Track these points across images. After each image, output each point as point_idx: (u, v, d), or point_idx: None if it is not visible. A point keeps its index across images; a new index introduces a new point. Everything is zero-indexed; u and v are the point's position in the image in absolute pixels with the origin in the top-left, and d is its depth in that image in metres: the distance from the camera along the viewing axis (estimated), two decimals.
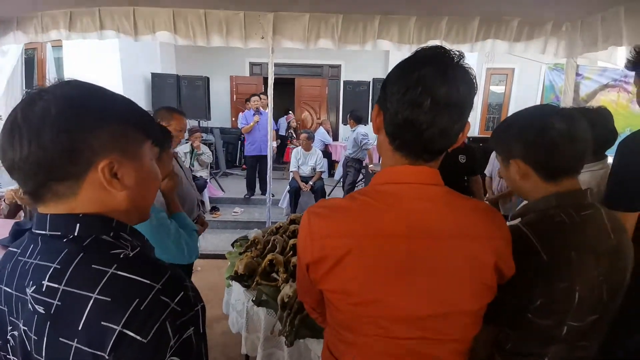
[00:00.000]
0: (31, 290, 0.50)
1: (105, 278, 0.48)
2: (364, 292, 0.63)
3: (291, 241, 1.92)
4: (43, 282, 0.49)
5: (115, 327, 0.45)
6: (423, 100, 0.59)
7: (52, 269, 0.50)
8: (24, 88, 5.32)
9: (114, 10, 3.16)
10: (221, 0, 3.00)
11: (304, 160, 4.90)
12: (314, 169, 4.89)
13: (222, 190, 5.68)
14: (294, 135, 7.18)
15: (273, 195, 3.96)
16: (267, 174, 3.82)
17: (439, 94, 0.58)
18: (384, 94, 0.66)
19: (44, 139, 0.49)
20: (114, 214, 0.55)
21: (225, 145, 7.35)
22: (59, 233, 0.52)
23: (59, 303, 0.48)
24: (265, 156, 5.42)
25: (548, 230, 0.81)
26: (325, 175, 5.01)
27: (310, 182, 4.78)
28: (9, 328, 0.53)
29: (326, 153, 6.03)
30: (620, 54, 3.22)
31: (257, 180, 5.56)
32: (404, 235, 0.62)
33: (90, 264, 0.50)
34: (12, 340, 0.53)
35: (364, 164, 5.08)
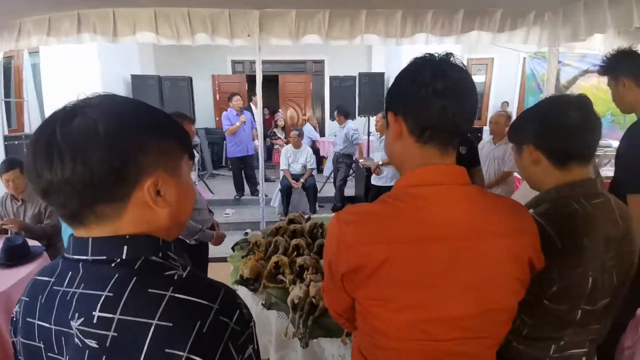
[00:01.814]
0: (78, 323, 0.46)
1: (164, 302, 0.45)
2: (403, 298, 0.63)
3: (293, 241, 1.91)
4: (93, 312, 0.45)
5: (181, 353, 0.43)
6: (446, 88, 0.64)
7: (103, 297, 0.46)
8: (3, 97, 5.12)
9: (93, 12, 3.05)
10: None
11: (294, 158, 4.88)
12: (304, 167, 4.87)
13: (211, 192, 5.60)
14: (276, 134, 7.02)
15: (266, 196, 3.93)
16: (260, 174, 3.79)
17: (455, 79, 0.65)
18: (397, 100, 0.70)
19: (92, 159, 0.45)
20: (157, 232, 0.53)
21: (210, 146, 7.24)
22: (104, 257, 0.49)
23: (115, 334, 0.44)
24: (251, 156, 5.41)
25: (561, 219, 0.84)
26: (314, 172, 5.01)
27: (302, 180, 4.77)
28: None
29: (314, 149, 6.02)
30: (599, 40, 3.32)
31: (245, 180, 5.50)
32: (441, 238, 0.62)
33: (146, 288, 0.46)
34: None
35: (354, 159, 5.10)
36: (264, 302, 1.47)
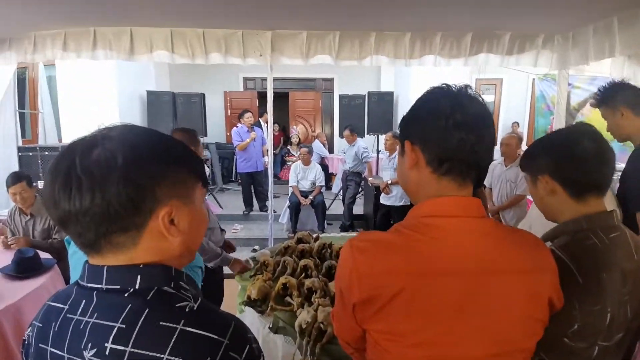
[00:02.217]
0: (91, 354, 0.46)
1: (175, 336, 0.46)
2: (417, 333, 0.61)
3: (301, 262, 1.90)
4: (106, 344, 0.46)
5: None
6: (465, 120, 0.64)
7: (115, 328, 0.46)
8: (17, 108, 5.27)
9: (110, 30, 3.15)
10: (220, 19, 3.02)
11: (304, 175, 4.90)
12: (313, 184, 4.88)
13: (220, 206, 5.63)
14: (290, 152, 7.02)
15: (275, 212, 3.94)
16: (269, 190, 3.81)
17: (473, 112, 0.65)
18: (414, 130, 0.70)
19: (110, 190, 0.46)
20: (170, 260, 0.53)
21: (220, 160, 7.32)
22: (118, 287, 0.49)
23: None
24: (261, 172, 5.46)
25: (581, 253, 0.83)
26: (323, 189, 5.01)
27: (310, 197, 4.77)
28: None
29: (323, 166, 6.05)
30: (608, 63, 3.32)
31: (254, 195, 5.53)
32: (457, 272, 0.61)
33: (158, 321, 0.47)
34: None
35: (363, 177, 5.11)
36: (270, 326, 1.45)
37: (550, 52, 3.34)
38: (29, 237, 2.65)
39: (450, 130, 0.64)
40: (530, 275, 0.64)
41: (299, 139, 6.91)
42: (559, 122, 3.54)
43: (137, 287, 0.49)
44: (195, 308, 0.50)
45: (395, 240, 0.65)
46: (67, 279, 2.23)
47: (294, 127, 7.82)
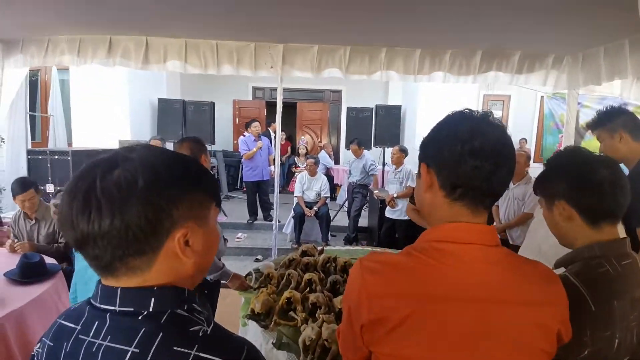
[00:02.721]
0: None
1: None
2: (425, 359, 0.61)
3: (306, 276, 1.89)
4: None
5: None
6: (483, 148, 0.63)
7: (129, 353, 0.46)
8: (28, 111, 5.36)
9: (126, 39, 3.21)
10: (234, 31, 3.08)
11: (309, 186, 4.90)
12: (318, 194, 4.88)
13: (225, 215, 5.64)
14: (296, 163, 6.90)
15: (279, 222, 3.94)
16: (274, 200, 3.81)
17: (492, 139, 0.64)
18: (431, 153, 0.70)
19: (130, 213, 0.46)
20: (183, 281, 0.53)
21: (227, 168, 7.37)
22: (132, 309, 0.49)
23: None
24: (266, 181, 5.47)
25: (594, 280, 0.83)
26: (327, 200, 5.01)
27: (315, 208, 4.77)
28: None
29: (328, 176, 6.06)
30: (617, 84, 3.32)
31: (258, 204, 5.53)
32: (467, 300, 0.60)
33: (172, 346, 0.46)
34: None
35: (369, 189, 5.10)
36: (274, 341, 1.43)
37: (559, 72, 3.35)
38: (34, 241, 2.65)
39: (465, 157, 0.63)
40: (539, 307, 0.63)
41: (307, 150, 6.74)
42: (567, 141, 3.53)
43: (150, 309, 0.49)
44: (208, 332, 0.50)
45: (406, 264, 0.64)
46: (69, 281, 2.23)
47: (302, 137, 7.77)
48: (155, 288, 0.50)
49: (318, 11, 2.49)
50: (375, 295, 0.62)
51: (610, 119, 1.59)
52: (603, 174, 0.85)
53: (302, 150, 6.67)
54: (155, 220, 0.48)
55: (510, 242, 3.26)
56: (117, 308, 0.49)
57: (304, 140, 7.26)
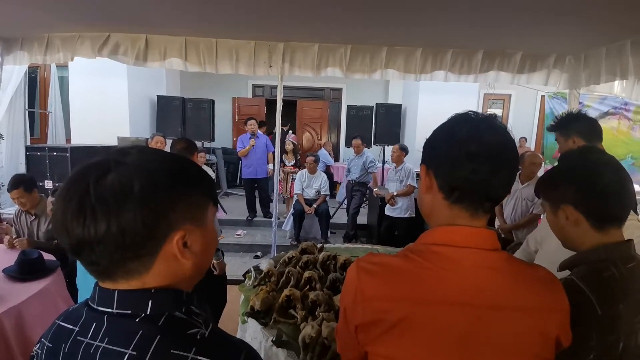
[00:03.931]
0: None
1: None
2: None
3: (305, 274, 1.89)
4: None
5: None
6: (481, 151, 0.62)
7: (127, 355, 0.46)
8: (26, 107, 5.34)
9: (124, 36, 3.19)
10: (234, 30, 3.06)
11: (309, 183, 4.90)
12: (318, 192, 4.88)
13: (224, 211, 5.64)
14: (284, 162, 5.93)
15: (278, 219, 3.94)
16: (274, 197, 3.81)
17: (491, 143, 0.63)
18: (430, 154, 0.70)
19: (125, 218, 0.45)
20: (181, 282, 0.53)
21: (226, 165, 7.36)
22: (129, 312, 0.49)
23: None
24: (263, 179, 5.45)
25: (601, 284, 0.82)
26: (327, 197, 5.01)
27: (314, 205, 4.76)
28: None
29: (328, 174, 6.04)
30: (618, 83, 3.31)
31: (257, 201, 5.53)
32: (465, 304, 0.60)
33: (169, 348, 0.46)
34: None
35: (368, 187, 5.10)
36: (274, 339, 1.44)
37: (561, 72, 3.34)
38: (34, 237, 2.66)
39: (462, 159, 0.63)
40: (537, 313, 0.62)
41: (294, 146, 5.91)
42: None
43: (148, 312, 0.49)
44: (206, 335, 0.50)
45: (403, 266, 0.64)
46: (69, 280, 2.23)
47: (290, 132, 7.03)
48: (153, 290, 0.50)
49: (319, 10, 2.48)
50: (371, 297, 0.62)
51: (566, 125, 1.69)
52: (610, 178, 0.84)
53: (289, 147, 5.86)
54: (153, 225, 0.47)
55: (516, 242, 3.24)
56: (114, 310, 0.49)
57: (290, 136, 6.65)
